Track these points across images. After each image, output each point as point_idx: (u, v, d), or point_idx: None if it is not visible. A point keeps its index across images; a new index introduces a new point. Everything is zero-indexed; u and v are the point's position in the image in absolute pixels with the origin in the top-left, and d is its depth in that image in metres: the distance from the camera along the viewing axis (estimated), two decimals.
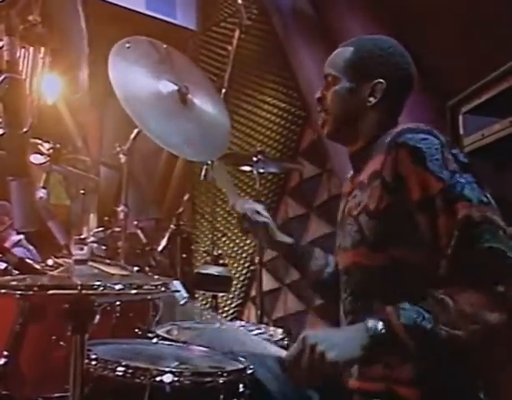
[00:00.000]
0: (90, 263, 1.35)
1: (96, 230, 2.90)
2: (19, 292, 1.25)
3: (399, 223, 1.37)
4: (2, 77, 2.21)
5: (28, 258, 2.40)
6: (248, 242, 4.74)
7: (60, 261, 2.02)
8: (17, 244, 3.24)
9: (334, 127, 1.57)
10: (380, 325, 1.24)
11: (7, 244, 2.95)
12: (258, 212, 1.78)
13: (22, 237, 3.15)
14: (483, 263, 1.24)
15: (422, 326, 1.22)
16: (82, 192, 3.08)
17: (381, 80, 1.50)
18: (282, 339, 2.03)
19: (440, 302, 1.23)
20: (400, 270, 1.38)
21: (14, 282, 1.28)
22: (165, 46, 2.21)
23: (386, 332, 1.24)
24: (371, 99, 1.52)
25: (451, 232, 1.27)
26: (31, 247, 3.24)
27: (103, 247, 2.73)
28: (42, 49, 3.49)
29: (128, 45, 2.05)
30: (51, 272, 1.71)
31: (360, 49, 1.55)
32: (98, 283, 1.14)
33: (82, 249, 1.32)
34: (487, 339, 1.25)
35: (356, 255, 1.50)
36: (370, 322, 1.26)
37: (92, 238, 2.67)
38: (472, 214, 1.26)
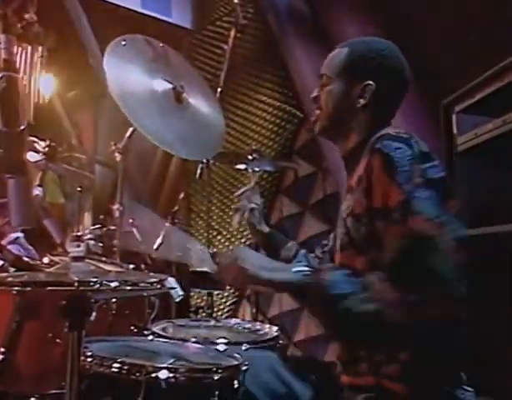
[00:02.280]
0: (87, 260, 1.36)
1: (93, 227, 2.90)
2: (16, 289, 1.25)
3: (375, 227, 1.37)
4: (0, 75, 2.22)
5: (24, 256, 2.41)
6: (243, 240, 4.75)
7: (56, 259, 2.03)
8: (14, 242, 3.23)
9: (325, 125, 1.60)
10: (307, 269, 1.35)
11: (4, 241, 2.94)
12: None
13: (21, 235, 3.14)
14: (413, 279, 1.22)
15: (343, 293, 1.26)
16: (78, 189, 3.08)
17: (371, 82, 1.52)
18: (276, 336, 2.04)
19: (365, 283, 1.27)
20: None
21: (11, 279, 1.28)
22: (161, 44, 2.21)
23: (308, 276, 1.33)
24: (360, 100, 1.53)
25: (397, 238, 1.27)
26: (30, 247, 3.23)
27: (100, 245, 2.73)
28: (39, 48, 3.49)
29: (123, 42, 2.06)
30: (48, 269, 1.71)
31: (354, 51, 1.57)
32: (95, 280, 1.15)
33: (78, 246, 1.33)
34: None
35: (343, 257, 1.53)
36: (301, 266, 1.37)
37: (88, 235, 2.67)
38: (422, 228, 1.24)
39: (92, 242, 2.65)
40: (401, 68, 1.57)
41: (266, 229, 1.97)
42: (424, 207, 1.25)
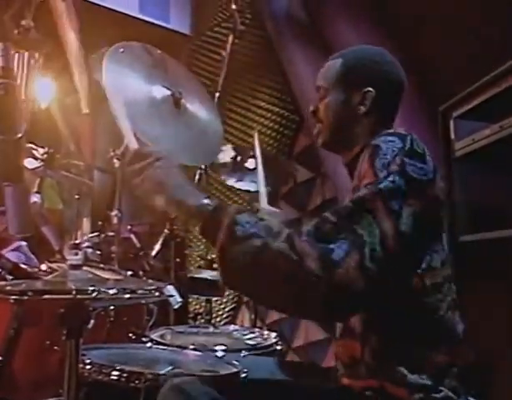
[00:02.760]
0: (85, 268, 1.35)
1: (91, 235, 2.89)
2: (14, 297, 1.25)
3: None
4: None
5: (23, 264, 2.40)
6: None
7: (54, 266, 2.03)
8: (16, 249, 3.22)
9: (328, 137, 1.60)
10: (213, 203, 1.29)
11: (5, 249, 2.93)
12: None
13: (24, 243, 3.14)
14: (342, 237, 1.20)
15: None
16: (76, 196, 3.08)
17: (370, 88, 1.52)
18: (275, 343, 2.04)
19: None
20: None
21: (9, 287, 1.28)
22: (159, 51, 2.22)
23: (213, 209, 1.27)
24: (361, 108, 1.54)
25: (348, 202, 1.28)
26: (32, 256, 3.22)
27: (98, 252, 2.73)
28: (36, 54, 3.49)
29: (121, 49, 2.05)
30: (45, 277, 1.71)
31: (348, 60, 1.58)
32: (93, 288, 1.15)
33: (76, 254, 1.33)
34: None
35: None
36: (209, 199, 1.29)
37: (86, 243, 2.67)
38: (370, 199, 1.24)
39: (89, 250, 2.65)
40: (396, 72, 1.59)
41: None
42: (386, 188, 1.25)
